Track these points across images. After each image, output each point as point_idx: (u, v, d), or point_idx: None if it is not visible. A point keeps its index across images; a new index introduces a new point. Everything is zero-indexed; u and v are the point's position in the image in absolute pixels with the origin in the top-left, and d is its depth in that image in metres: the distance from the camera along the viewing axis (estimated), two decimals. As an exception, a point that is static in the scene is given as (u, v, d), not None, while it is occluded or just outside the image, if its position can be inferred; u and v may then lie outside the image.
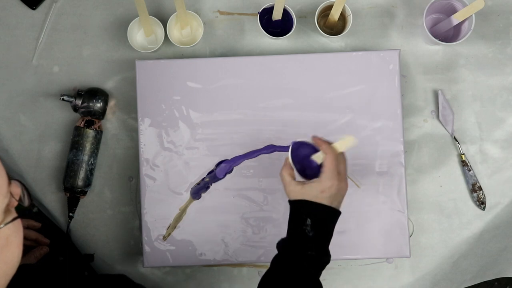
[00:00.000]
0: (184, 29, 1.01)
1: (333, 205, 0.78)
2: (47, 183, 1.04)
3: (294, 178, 0.81)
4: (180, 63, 1.00)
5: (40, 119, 1.04)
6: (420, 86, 1.03)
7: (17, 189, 0.57)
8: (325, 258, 0.79)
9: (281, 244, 0.80)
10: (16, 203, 0.56)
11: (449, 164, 1.03)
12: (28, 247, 0.93)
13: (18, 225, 0.57)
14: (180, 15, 0.98)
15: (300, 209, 0.79)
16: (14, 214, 0.56)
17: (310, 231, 0.77)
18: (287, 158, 0.82)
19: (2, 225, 0.54)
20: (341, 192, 0.79)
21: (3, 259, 0.55)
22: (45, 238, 0.96)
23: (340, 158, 0.80)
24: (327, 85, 0.99)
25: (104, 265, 1.03)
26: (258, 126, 0.99)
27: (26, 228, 0.94)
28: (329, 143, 0.80)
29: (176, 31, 1.02)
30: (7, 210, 0.55)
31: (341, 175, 0.79)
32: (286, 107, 0.99)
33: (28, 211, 0.59)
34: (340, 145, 0.80)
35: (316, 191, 0.78)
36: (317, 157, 0.81)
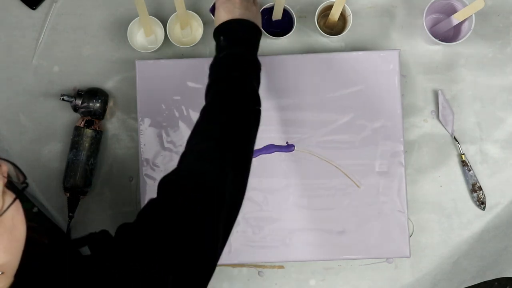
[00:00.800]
0: (184, 29, 1.01)
1: (245, 17, 0.84)
2: (47, 183, 1.04)
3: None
4: (180, 63, 1.00)
5: (40, 119, 1.04)
6: (420, 86, 1.03)
7: (4, 167, 0.58)
8: (248, 56, 0.82)
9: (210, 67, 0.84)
10: (5, 180, 0.57)
11: (449, 164, 1.03)
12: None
13: (17, 203, 0.58)
14: (180, 15, 0.98)
15: (215, 35, 0.86)
16: (11, 194, 0.58)
17: (224, 43, 0.83)
18: None
19: (6, 209, 0.56)
20: (236, 1, 0.85)
21: (14, 238, 0.57)
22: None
23: None
24: (327, 85, 0.99)
25: (104, 265, 1.03)
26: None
27: None
28: None
29: (176, 31, 1.02)
30: (4, 192, 0.56)
31: None
32: (286, 107, 0.99)
33: (25, 185, 0.60)
34: None
35: (217, 14, 0.86)
36: None
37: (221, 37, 0.84)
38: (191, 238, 0.65)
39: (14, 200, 0.57)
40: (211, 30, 1.04)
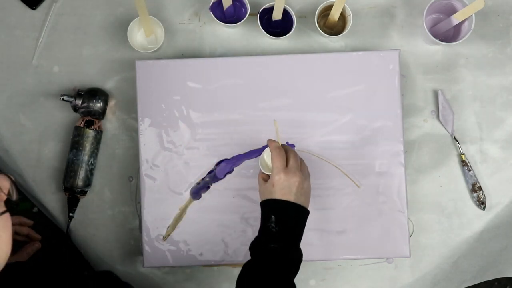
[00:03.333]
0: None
1: (299, 201, 0.81)
2: (47, 183, 1.04)
3: (266, 181, 0.86)
4: (180, 63, 1.00)
5: (40, 119, 1.04)
6: (420, 86, 1.03)
7: (5, 183, 0.57)
8: (294, 254, 0.81)
9: (251, 244, 0.83)
10: (4, 197, 0.56)
11: (449, 164, 1.03)
12: (20, 244, 0.93)
13: (6, 220, 0.56)
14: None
15: (265, 207, 0.83)
16: (3, 208, 0.56)
17: (275, 227, 0.80)
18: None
19: None
20: (294, 185, 0.81)
21: None
22: (36, 234, 0.96)
23: (287, 152, 0.84)
24: (327, 85, 0.99)
25: (104, 265, 1.03)
26: (258, 126, 0.99)
27: (18, 224, 0.94)
28: (270, 142, 0.85)
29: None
30: None
31: (289, 168, 0.82)
32: (286, 107, 0.99)
33: (16, 205, 0.58)
34: (276, 137, 0.85)
35: (269, 187, 0.82)
36: (267, 158, 0.88)
37: (273, 217, 0.81)
38: None
39: (2, 213, 0.55)
40: (211, 30, 1.04)
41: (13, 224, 0.93)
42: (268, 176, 0.86)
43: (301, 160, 0.86)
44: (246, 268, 0.81)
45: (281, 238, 0.80)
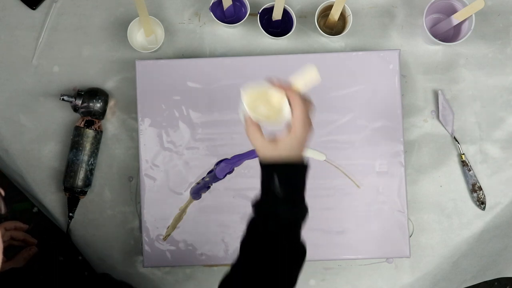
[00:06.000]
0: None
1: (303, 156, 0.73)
2: (47, 183, 1.04)
3: (262, 134, 0.73)
4: (180, 63, 1.00)
5: (40, 119, 1.04)
6: (420, 86, 1.03)
7: None
8: (298, 211, 0.72)
9: (254, 206, 0.74)
10: None
11: (449, 164, 1.03)
12: (16, 249, 0.93)
13: None
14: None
15: (268, 169, 0.72)
16: None
17: (280, 192, 0.71)
18: (245, 116, 0.74)
19: None
20: (310, 138, 0.73)
21: None
22: (32, 238, 0.96)
23: (305, 100, 0.73)
24: (327, 85, 0.99)
25: (104, 265, 1.03)
26: (258, 126, 0.99)
27: (13, 229, 0.95)
28: (290, 86, 0.72)
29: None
30: None
31: (310, 119, 0.73)
32: (286, 107, 0.99)
33: (3, 219, 0.58)
34: (302, 83, 0.72)
35: (291, 144, 0.71)
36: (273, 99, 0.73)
37: (276, 179, 0.71)
38: None
39: None
40: (211, 30, 1.04)
41: (9, 230, 0.93)
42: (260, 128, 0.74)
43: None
44: (251, 230, 0.74)
45: (287, 201, 0.71)
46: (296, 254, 0.73)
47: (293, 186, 0.72)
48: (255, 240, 0.73)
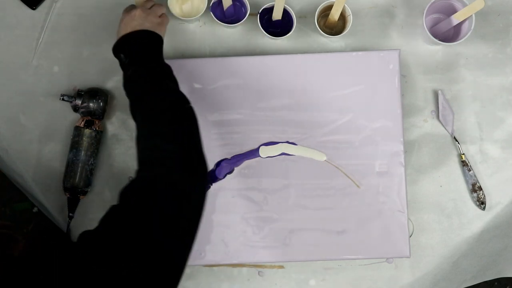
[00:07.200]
0: (185, 4, 1.01)
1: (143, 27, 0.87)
2: (47, 183, 1.04)
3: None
4: (180, 63, 1.00)
5: (40, 119, 1.04)
6: (420, 86, 1.03)
7: None
8: (156, 68, 0.85)
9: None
10: None
11: (449, 164, 1.03)
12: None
13: None
14: None
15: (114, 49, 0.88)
16: None
17: (124, 59, 0.86)
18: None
19: None
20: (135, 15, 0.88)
21: None
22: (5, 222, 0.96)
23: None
24: (327, 85, 0.99)
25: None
26: (258, 126, 0.99)
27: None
28: None
29: (177, 7, 1.02)
30: None
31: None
32: (286, 107, 0.99)
33: (4, 219, 0.59)
34: None
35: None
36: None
37: (121, 54, 0.87)
38: (155, 245, 0.67)
39: None
40: (211, 30, 1.04)
41: None
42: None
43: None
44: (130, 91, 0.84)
45: (135, 62, 0.85)
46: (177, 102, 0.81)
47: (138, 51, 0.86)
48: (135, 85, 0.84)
